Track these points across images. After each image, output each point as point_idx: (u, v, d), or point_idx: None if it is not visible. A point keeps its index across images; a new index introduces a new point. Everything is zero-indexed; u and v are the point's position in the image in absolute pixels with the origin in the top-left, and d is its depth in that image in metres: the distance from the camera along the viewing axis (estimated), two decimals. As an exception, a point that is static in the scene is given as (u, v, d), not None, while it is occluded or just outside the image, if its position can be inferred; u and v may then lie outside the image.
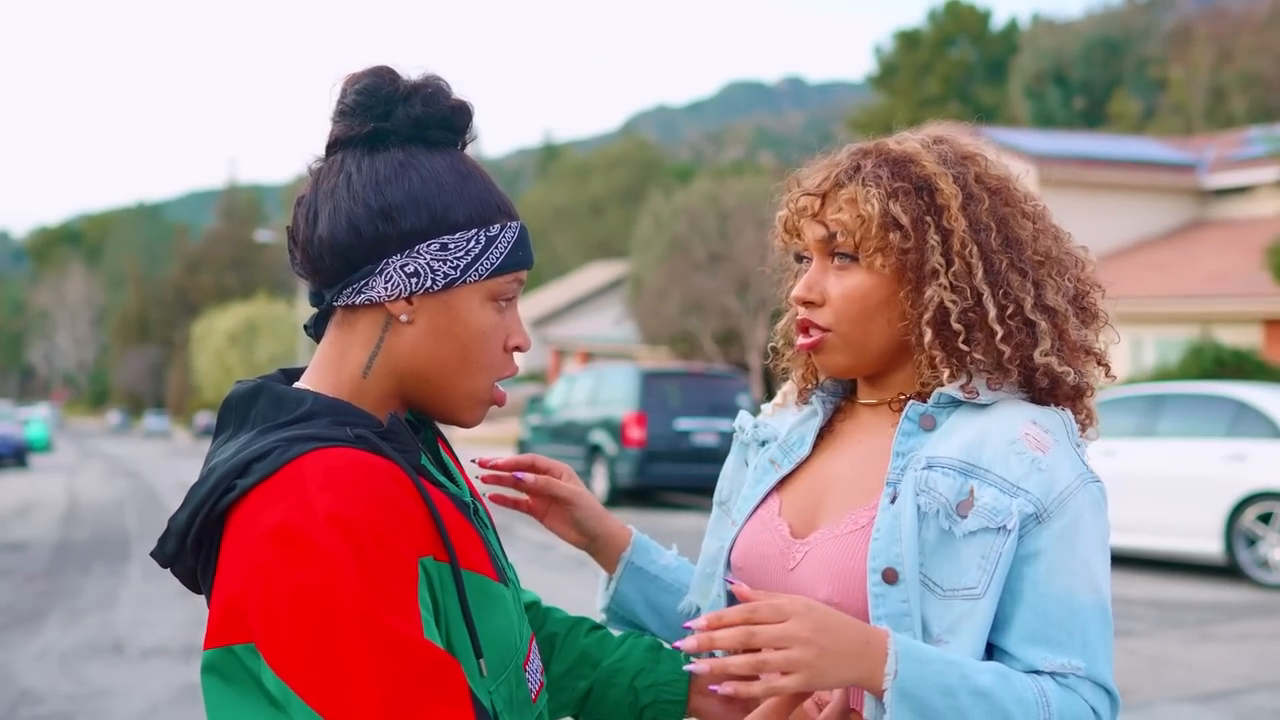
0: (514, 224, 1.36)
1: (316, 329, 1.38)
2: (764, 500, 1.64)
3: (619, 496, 17.66)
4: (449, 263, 1.30)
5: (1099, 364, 1.61)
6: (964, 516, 1.44)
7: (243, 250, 77.08)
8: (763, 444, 1.71)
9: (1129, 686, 6.90)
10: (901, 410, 1.56)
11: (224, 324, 62.81)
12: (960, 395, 1.51)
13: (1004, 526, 1.42)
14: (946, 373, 1.52)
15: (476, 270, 1.32)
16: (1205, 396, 11.43)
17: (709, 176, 39.22)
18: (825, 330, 1.56)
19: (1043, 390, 1.54)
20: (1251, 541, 10.57)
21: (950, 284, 1.51)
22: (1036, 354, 1.51)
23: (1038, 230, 1.57)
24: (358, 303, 1.31)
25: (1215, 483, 10.71)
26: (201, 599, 1.28)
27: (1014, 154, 24.67)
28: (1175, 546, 11.19)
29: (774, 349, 1.76)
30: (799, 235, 1.59)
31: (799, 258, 1.62)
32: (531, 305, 50.01)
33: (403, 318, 1.31)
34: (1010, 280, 1.52)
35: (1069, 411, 1.54)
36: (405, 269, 1.29)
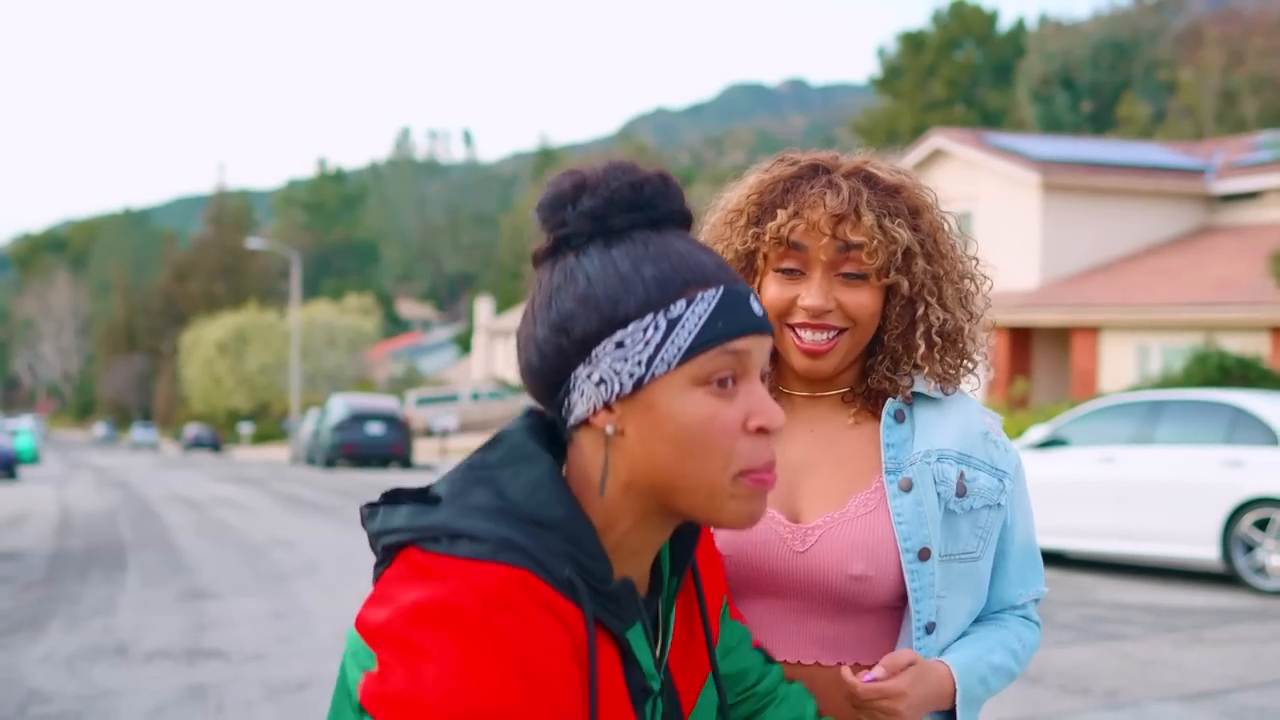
0: (711, 291, 1.21)
1: None
2: None
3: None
4: (631, 360, 1.20)
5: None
6: (961, 496, 1.73)
7: (232, 258, 76.41)
8: None
9: (1118, 687, 7.01)
10: (853, 403, 1.79)
11: (213, 333, 62.13)
12: (926, 392, 1.78)
13: (998, 503, 1.77)
14: (909, 380, 1.77)
15: (662, 360, 1.19)
16: (1203, 403, 11.50)
17: (709, 181, 38.85)
18: (841, 331, 1.72)
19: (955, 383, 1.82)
20: (1249, 548, 10.65)
21: (940, 302, 1.75)
22: (973, 356, 1.82)
23: (955, 243, 1.82)
24: (571, 423, 1.24)
25: (1213, 489, 10.78)
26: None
27: (1019, 160, 24.42)
28: (1173, 553, 11.26)
29: None
30: (795, 248, 1.71)
31: (787, 271, 1.73)
32: (528, 312, 49.35)
33: (607, 429, 1.21)
34: (967, 291, 1.80)
35: None
36: (591, 379, 1.21)
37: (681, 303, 1.20)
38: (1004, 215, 24.85)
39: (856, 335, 1.73)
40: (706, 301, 1.20)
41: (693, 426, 1.19)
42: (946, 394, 1.80)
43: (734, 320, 1.21)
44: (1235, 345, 18.71)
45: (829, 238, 1.69)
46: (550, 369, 1.23)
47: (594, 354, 1.20)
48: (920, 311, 1.74)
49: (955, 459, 1.74)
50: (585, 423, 1.23)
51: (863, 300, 1.71)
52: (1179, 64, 44.01)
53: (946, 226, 1.80)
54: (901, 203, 1.74)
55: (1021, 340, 23.99)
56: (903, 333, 1.75)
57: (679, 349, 1.19)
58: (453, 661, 1.07)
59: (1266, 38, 41.52)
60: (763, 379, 1.25)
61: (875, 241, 1.69)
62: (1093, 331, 22.61)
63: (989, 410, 1.86)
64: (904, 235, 1.71)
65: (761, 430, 1.21)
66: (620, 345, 1.19)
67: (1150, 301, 21.43)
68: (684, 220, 1.28)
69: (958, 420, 1.78)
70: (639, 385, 1.19)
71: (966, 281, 1.80)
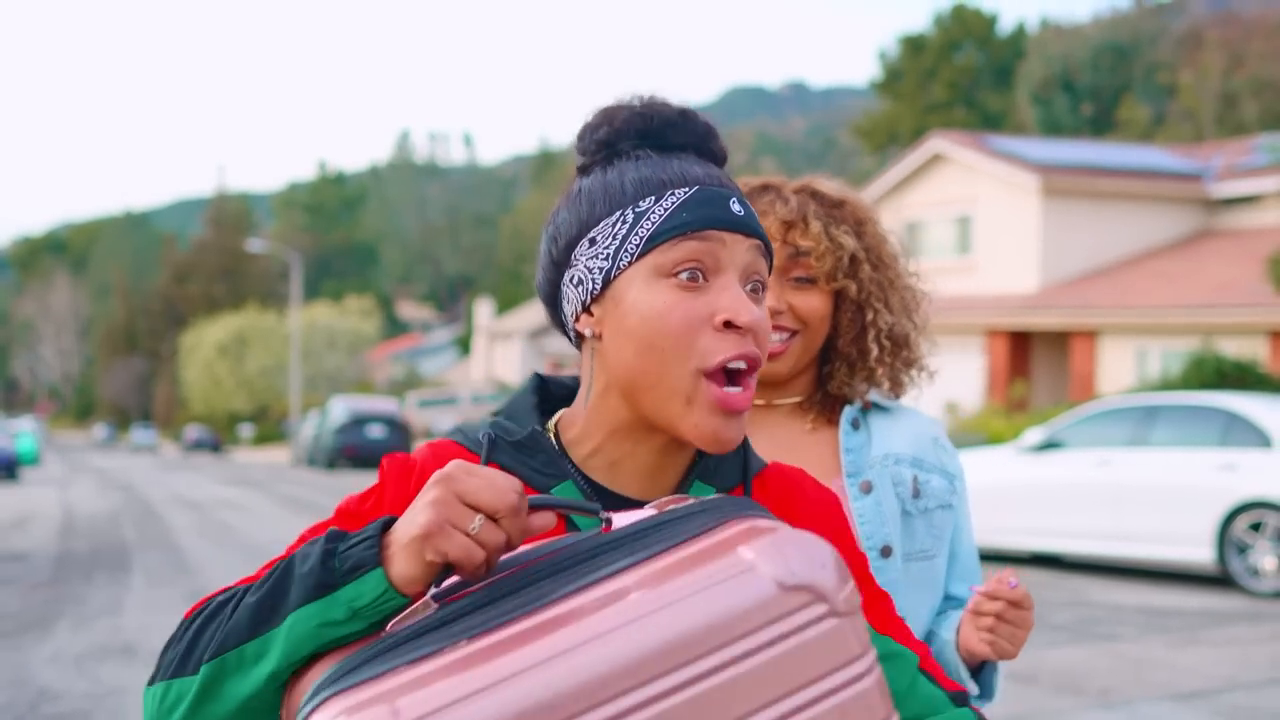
0: (683, 190, 1.19)
1: None
2: None
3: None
4: (600, 256, 1.20)
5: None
6: (916, 497, 1.84)
7: (232, 260, 76.39)
8: None
9: (1111, 686, 7.12)
10: (810, 411, 1.91)
11: (213, 335, 62.10)
12: (880, 401, 1.90)
13: (950, 504, 1.88)
14: (864, 386, 1.89)
15: (626, 251, 1.18)
16: (1198, 407, 11.63)
17: (711, 183, 38.78)
18: (793, 334, 1.83)
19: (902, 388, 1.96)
20: (1242, 550, 10.77)
21: (888, 307, 1.88)
22: (920, 363, 1.95)
23: (899, 255, 1.97)
24: (572, 338, 1.27)
25: (1208, 492, 10.92)
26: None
27: (1019, 163, 24.47)
28: (1168, 555, 11.39)
29: None
30: None
31: None
32: (527, 316, 49.49)
33: (587, 332, 1.23)
34: (911, 300, 1.93)
35: None
36: (572, 281, 1.23)
37: (651, 199, 1.19)
38: (1003, 219, 24.92)
39: (808, 338, 1.86)
40: (678, 195, 1.18)
41: (652, 318, 1.16)
42: (897, 397, 1.94)
43: (701, 213, 1.18)
44: (1233, 349, 18.79)
45: (780, 243, 1.84)
46: (549, 282, 1.26)
47: (573, 256, 1.22)
48: (870, 317, 1.87)
49: (910, 463, 1.87)
50: (580, 338, 1.25)
51: (813, 304, 1.85)
52: (1179, 67, 44.00)
53: (889, 240, 1.94)
54: (847, 214, 1.89)
55: (1021, 343, 24.04)
56: (855, 337, 1.88)
57: (642, 238, 1.17)
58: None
59: (1266, 41, 41.55)
60: (759, 290, 1.22)
61: (823, 246, 1.84)
62: (1091, 334, 22.68)
63: (935, 419, 1.99)
64: (850, 242, 1.85)
65: (729, 325, 1.16)
66: (593, 242, 1.20)
67: (1149, 305, 21.53)
68: (704, 155, 1.26)
69: (910, 427, 1.91)
70: (608, 281, 1.19)
71: (908, 293, 1.94)
